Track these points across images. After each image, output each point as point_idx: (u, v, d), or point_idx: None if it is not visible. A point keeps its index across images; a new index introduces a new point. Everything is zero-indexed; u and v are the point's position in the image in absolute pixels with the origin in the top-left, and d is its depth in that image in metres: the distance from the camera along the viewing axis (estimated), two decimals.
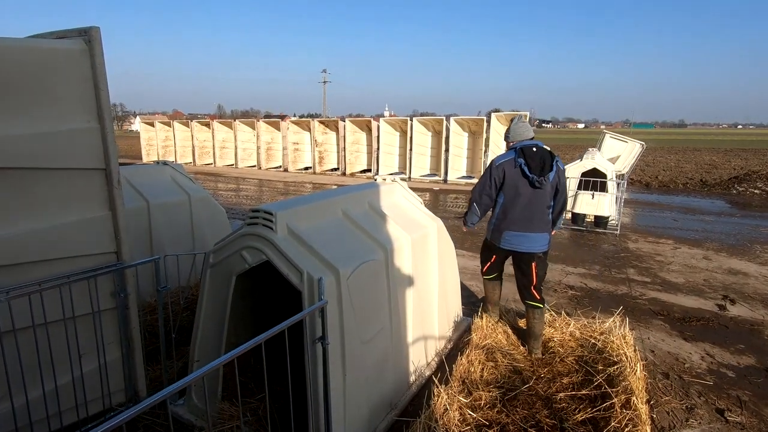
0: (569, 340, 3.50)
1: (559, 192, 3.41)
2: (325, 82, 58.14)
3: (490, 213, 3.59)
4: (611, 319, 3.58)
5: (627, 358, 3.06)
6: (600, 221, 7.71)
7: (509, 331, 3.69)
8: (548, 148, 3.42)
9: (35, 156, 2.12)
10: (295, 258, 2.22)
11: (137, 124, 24.88)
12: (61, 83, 2.20)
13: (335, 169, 18.04)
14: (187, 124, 21.67)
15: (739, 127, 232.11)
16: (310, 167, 18.27)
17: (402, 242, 2.95)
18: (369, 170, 17.41)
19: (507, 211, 3.36)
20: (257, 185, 14.52)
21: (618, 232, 7.63)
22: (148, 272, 3.89)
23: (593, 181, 8.00)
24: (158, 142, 22.29)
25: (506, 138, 3.58)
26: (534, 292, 3.38)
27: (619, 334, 3.36)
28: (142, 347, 2.72)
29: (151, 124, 22.92)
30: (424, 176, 16.24)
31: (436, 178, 15.84)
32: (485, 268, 3.75)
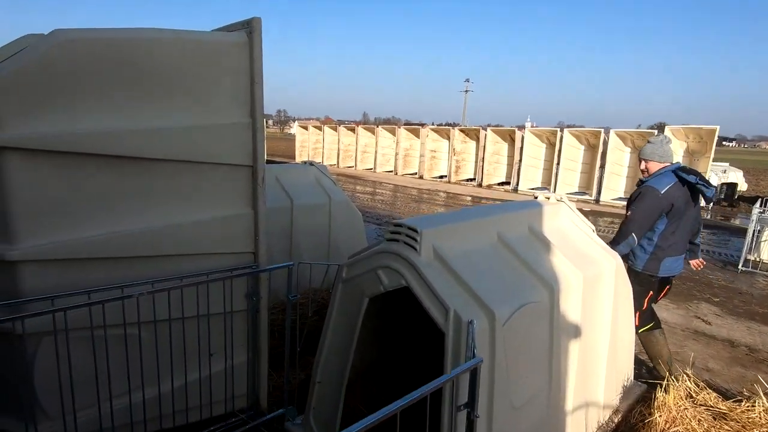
0: None
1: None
2: (467, 91, 57.50)
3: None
4: None
5: None
6: None
7: (708, 417, 2.69)
8: None
9: (188, 149, 2.09)
10: (440, 289, 1.79)
11: (294, 128, 27.79)
12: (219, 77, 2.16)
13: (471, 180, 17.36)
14: (335, 129, 23.34)
15: None
16: (445, 176, 17.92)
17: (571, 281, 2.30)
18: (507, 183, 16.33)
19: (668, 237, 3.20)
20: (392, 190, 14.72)
21: None
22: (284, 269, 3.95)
23: None
24: (310, 144, 24.45)
25: (654, 158, 3.28)
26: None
27: None
28: (268, 350, 2.60)
29: (305, 128, 25.30)
30: (571, 194, 14.52)
31: (586, 197, 14.03)
32: (638, 317, 3.23)
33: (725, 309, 4.92)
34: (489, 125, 20.30)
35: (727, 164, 14.96)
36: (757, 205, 6.90)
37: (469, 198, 13.72)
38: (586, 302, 2.40)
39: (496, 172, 16.86)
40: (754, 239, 6.78)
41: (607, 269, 2.66)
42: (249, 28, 2.17)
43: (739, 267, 6.47)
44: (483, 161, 16.61)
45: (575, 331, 2.32)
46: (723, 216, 12.46)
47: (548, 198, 2.91)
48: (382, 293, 2.05)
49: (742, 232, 9.88)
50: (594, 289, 2.51)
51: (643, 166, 3.34)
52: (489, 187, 16.30)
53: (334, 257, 4.74)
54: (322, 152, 23.65)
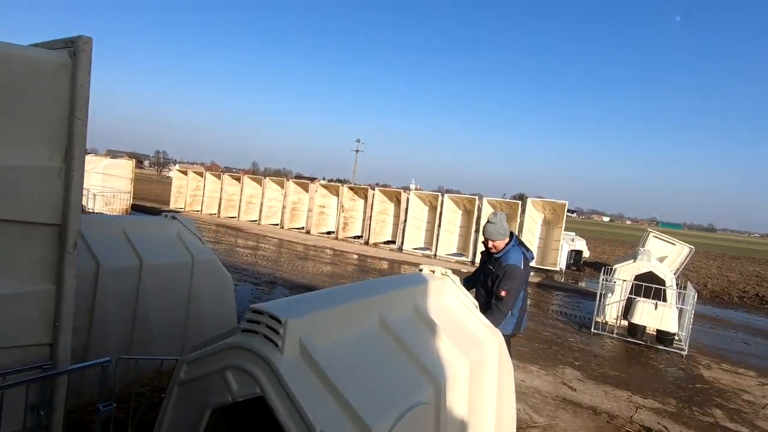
0: None
1: None
2: (357, 150, 59.87)
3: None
4: None
5: None
6: (664, 337, 6.55)
7: None
8: None
9: None
10: (304, 401, 1.38)
11: (173, 171, 25.56)
12: (20, 103, 1.58)
13: (358, 237, 17.41)
14: (218, 176, 21.89)
15: None
16: (333, 232, 17.72)
17: (457, 370, 2.08)
18: (393, 242, 16.73)
19: (524, 300, 3.68)
20: (277, 245, 13.92)
21: (685, 352, 6.43)
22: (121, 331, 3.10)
23: (655, 288, 6.97)
24: (188, 190, 22.46)
25: (499, 237, 3.56)
26: None
27: None
28: None
29: (184, 173, 23.33)
30: (450, 255, 15.39)
31: (463, 258, 14.94)
32: None
33: (585, 373, 5.27)
34: (377, 184, 21.03)
35: (574, 234, 17.43)
36: (603, 273, 7.86)
37: (356, 256, 13.59)
38: (472, 391, 2.18)
39: (382, 231, 17.20)
40: (601, 302, 7.66)
41: (492, 349, 2.52)
42: (73, 48, 1.67)
43: (592, 330, 7.18)
44: (370, 219, 16.86)
45: (462, 427, 2.06)
46: (573, 279, 14.20)
47: (433, 271, 2.75)
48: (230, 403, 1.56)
49: (590, 294, 11.27)
50: (479, 375, 2.32)
51: (492, 244, 3.60)
52: (375, 245, 16.46)
53: (194, 328, 3.98)
54: (202, 200, 21.86)
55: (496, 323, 3.32)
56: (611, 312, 7.72)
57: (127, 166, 17.60)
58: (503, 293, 3.44)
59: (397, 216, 16.91)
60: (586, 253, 17.46)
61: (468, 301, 2.76)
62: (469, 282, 3.83)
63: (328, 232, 18.03)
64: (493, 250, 3.61)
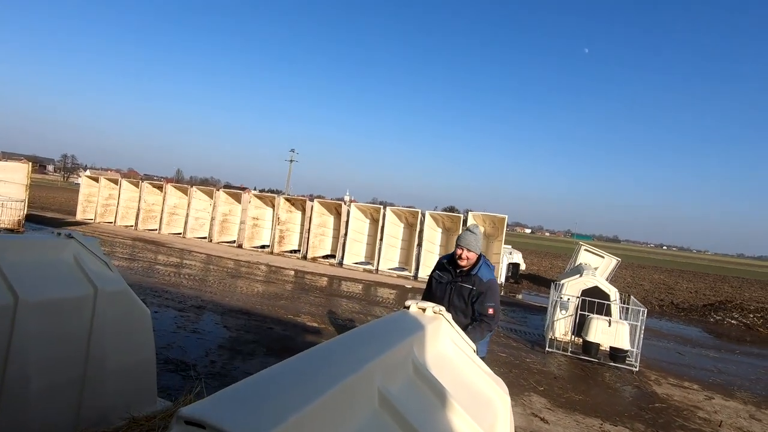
0: None
1: None
2: (292, 160, 58.05)
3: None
4: None
5: None
6: (617, 354, 6.52)
7: None
8: None
9: None
10: None
11: (82, 178, 22.73)
12: None
13: (296, 251, 16.42)
14: (136, 185, 19.71)
15: (664, 247, 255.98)
16: (268, 246, 16.55)
17: None
18: (333, 256, 15.97)
19: None
20: (204, 261, 12.57)
21: (636, 368, 6.44)
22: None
23: (599, 303, 6.99)
24: (99, 199, 19.98)
25: (477, 249, 3.31)
26: None
27: None
28: None
29: (95, 180, 20.78)
30: (392, 269, 14.96)
31: (406, 273, 14.59)
32: None
33: (551, 400, 4.98)
34: (312, 195, 20.18)
35: (511, 246, 17.85)
36: (553, 288, 7.81)
37: (293, 272, 12.65)
38: None
39: (321, 245, 16.38)
40: (551, 319, 7.58)
41: (501, 408, 2.00)
42: None
43: (546, 348, 7.03)
44: (309, 233, 15.97)
45: None
46: (511, 292, 14.42)
47: (423, 309, 2.18)
48: None
49: (533, 308, 11.39)
50: None
51: (465, 255, 3.26)
52: (314, 260, 15.59)
53: (95, 388, 3.01)
54: (116, 210, 19.53)
55: (481, 338, 3.23)
56: (560, 328, 7.68)
57: (21, 169, 15.10)
58: (491, 311, 3.21)
59: (337, 229, 16.20)
60: (523, 266, 17.96)
61: (465, 345, 2.23)
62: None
63: (263, 246, 16.84)
64: (464, 262, 3.27)
